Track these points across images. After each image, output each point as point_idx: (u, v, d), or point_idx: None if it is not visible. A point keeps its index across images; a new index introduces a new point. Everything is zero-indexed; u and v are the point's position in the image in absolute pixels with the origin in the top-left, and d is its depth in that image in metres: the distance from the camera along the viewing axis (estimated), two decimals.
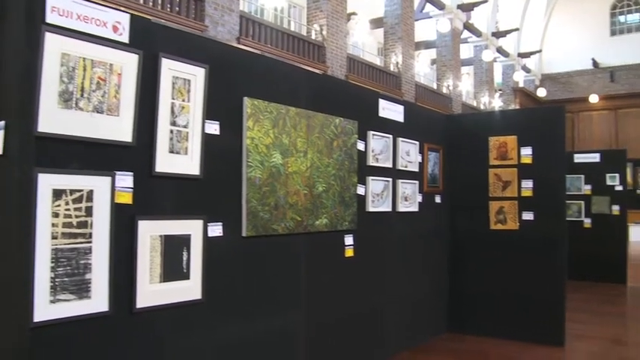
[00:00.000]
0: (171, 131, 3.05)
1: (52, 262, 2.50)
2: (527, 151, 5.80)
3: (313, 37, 14.34)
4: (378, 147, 4.89)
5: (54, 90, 2.53)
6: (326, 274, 4.30)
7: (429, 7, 20.47)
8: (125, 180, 2.82)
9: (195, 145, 3.18)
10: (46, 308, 2.48)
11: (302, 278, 4.06)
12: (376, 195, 4.87)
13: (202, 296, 3.20)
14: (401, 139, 5.22)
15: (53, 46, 2.52)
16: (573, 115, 25.93)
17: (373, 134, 4.83)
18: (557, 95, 27.25)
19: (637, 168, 23.18)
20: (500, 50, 24.91)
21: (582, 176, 10.04)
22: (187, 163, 3.14)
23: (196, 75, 3.19)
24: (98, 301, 2.68)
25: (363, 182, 4.69)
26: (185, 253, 3.11)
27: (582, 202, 10.04)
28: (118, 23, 2.79)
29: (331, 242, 4.36)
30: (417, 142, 5.49)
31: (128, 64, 2.82)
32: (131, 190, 2.84)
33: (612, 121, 26.32)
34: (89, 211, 2.65)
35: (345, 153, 4.43)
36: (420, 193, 5.53)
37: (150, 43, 2.95)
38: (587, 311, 7.37)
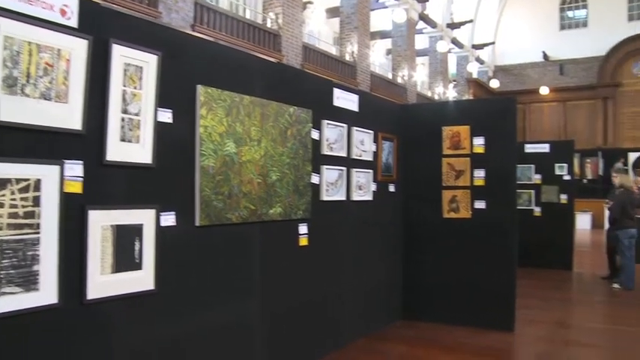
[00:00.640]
0: (123, 119, 3.00)
1: None
2: (479, 141, 5.90)
3: (269, 25, 14.23)
4: (332, 136, 4.90)
5: None
6: (280, 263, 4.30)
7: None
8: (74, 169, 2.76)
9: (147, 134, 3.13)
10: None
11: (256, 267, 4.05)
12: (330, 184, 4.88)
13: (155, 286, 3.16)
14: (355, 128, 5.25)
15: None
16: (524, 106, 26.44)
17: (327, 123, 4.83)
18: (509, 86, 27.72)
19: (584, 159, 23.90)
20: (454, 41, 25.18)
21: (533, 166, 10.29)
22: (139, 151, 3.09)
23: (149, 62, 3.13)
24: (47, 293, 2.62)
25: (318, 171, 4.70)
26: (137, 243, 3.07)
27: (532, 191, 10.30)
28: (66, 7, 2.71)
29: (285, 231, 4.36)
30: (372, 132, 5.52)
31: (77, 49, 2.75)
32: (81, 179, 2.79)
33: (561, 112, 26.95)
34: (37, 201, 2.59)
35: (300, 142, 4.43)
36: (374, 182, 5.57)
37: (100, 28, 2.88)
38: (535, 297, 7.57)
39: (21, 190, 2.53)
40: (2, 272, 2.45)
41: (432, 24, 23.03)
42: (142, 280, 3.10)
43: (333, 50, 18.40)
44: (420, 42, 23.38)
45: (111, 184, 2.96)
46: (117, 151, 2.96)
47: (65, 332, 2.72)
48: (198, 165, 3.49)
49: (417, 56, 22.87)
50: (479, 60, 27.46)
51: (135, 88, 3.06)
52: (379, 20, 21.41)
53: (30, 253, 2.55)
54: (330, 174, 4.88)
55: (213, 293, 3.66)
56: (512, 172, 5.88)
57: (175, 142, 3.36)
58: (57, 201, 2.67)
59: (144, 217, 3.11)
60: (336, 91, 5.05)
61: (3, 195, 2.47)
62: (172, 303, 3.31)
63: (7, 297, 2.47)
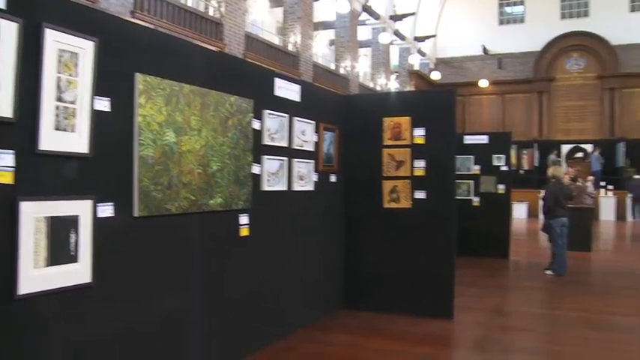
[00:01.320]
0: (57, 107, 2.91)
1: None
2: (420, 132, 5.98)
3: (211, 13, 14.04)
4: (273, 126, 4.89)
5: None
6: (221, 254, 4.28)
7: None
8: (5, 158, 2.66)
9: (83, 122, 3.05)
10: None
11: (197, 259, 4.02)
12: (271, 174, 4.87)
13: (92, 280, 3.10)
14: (297, 118, 5.25)
15: None
16: (464, 98, 26.96)
17: (269, 113, 4.82)
18: (450, 79, 28.18)
19: (521, 150, 24.62)
20: (397, 33, 25.39)
21: (472, 157, 10.51)
22: (75, 140, 3.01)
23: (85, 48, 3.05)
24: None
25: (259, 161, 4.68)
26: (73, 235, 3.00)
27: (471, 181, 10.52)
28: None
29: (226, 222, 4.33)
30: (313, 122, 5.53)
31: (6, 32, 2.64)
32: (12, 169, 2.69)
33: (499, 105, 27.62)
34: None
35: (241, 132, 4.40)
36: (315, 172, 5.59)
37: (31, 11, 2.78)
38: (474, 284, 7.77)
39: None
40: None
41: (374, 15, 23.16)
42: (78, 273, 3.03)
43: (276, 40, 18.32)
44: (363, 33, 23.49)
45: (45, 174, 2.88)
46: (51, 140, 2.87)
47: None
48: (137, 155, 3.43)
49: (360, 47, 22.99)
50: (420, 52, 27.81)
51: (70, 75, 2.97)
52: (322, 11, 21.41)
53: None
54: (271, 164, 4.87)
55: (153, 286, 3.61)
56: (451, 163, 6.00)
57: (113, 131, 3.28)
58: None
59: (80, 209, 3.04)
60: (278, 81, 5.04)
61: None
62: (110, 296, 3.25)
63: None
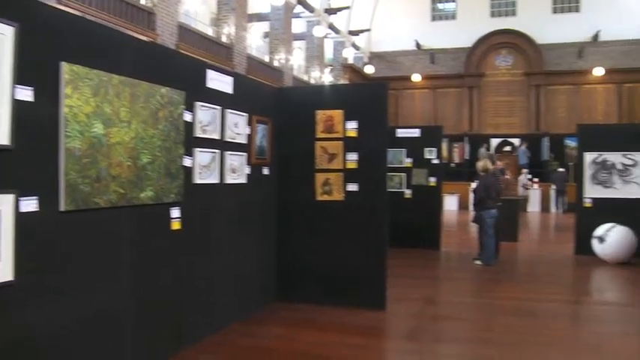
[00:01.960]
0: None
1: None
2: (352, 125, 6.03)
3: (143, 2, 13.71)
4: (205, 118, 4.84)
5: None
6: (152, 248, 4.21)
7: None
8: None
9: (3, 113, 2.93)
10: None
11: (127, 253, 3.94)
12: (203, 167, 4.82)
13: (14, 277, 2.98)
14: (229, 110, 5.20)
15: None
16: (397, 92, 27.37)
17: (201, 105, 4.76)
18: (383, 73, 28.50)
19: (452, 143, 25.19)
20: (331, 27, 25.45)
21: (404, 150, 10.68)
22: None
23: (5, 34, 2.92)
24: None
25: (190, 154, 4.62)
26: None
27: (403, 174, 10.69)
28: None
29: (157, 215, 4.26)
30: (246, 114, 5.49)
31: None
32: None
33: (432, 99, 28.18)
34: None
35: (172, 124, 4.33)
36: (247, 165, 5.56)
37: None
38: (406, 275, 7.91)
39: None
40: None
41: (309, 8, 23.16)
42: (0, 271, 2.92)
43: (209, 31, 18.07)
44: (298, 26, 23.46)
45: None
46: None
47: None
48: (63, 147, 3.32)
49: (295, 40, 22.95)
50: (355, 46, 27.98)
51: None
52: (257, 3, 21.25)
53: None
54: (203, 157, 4.82)
55: (80, 282, 3.51)
56: (383, 156, 6.07)
57: (37, 122, 3.17)
58: None
59: (1, 203, 2.92)
60: (210, 73, 4.98)
61: None
62: (34, 294, 3.14)
63: None
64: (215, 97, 4.99)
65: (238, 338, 5.06)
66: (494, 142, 25.61)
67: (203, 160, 4.82)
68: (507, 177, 11.75)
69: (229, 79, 5.24)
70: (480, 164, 9.30)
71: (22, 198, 3.04)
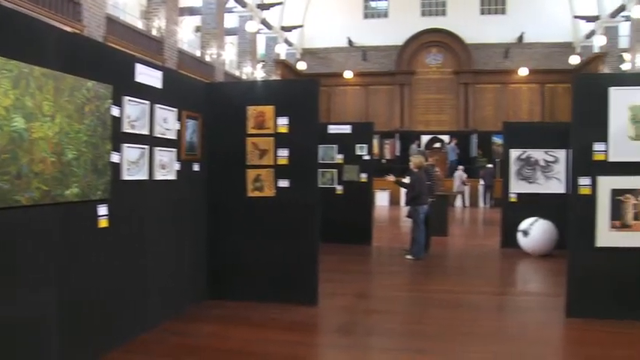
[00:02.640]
0: None
1: None
2: (283, 121, 6.03)
3: None
4: (134, 113, 4.73)
5: None
6: (78, 248, 4.09)
7: None
8: None
9: None
10: None
11: (51, 254, 3.81)
12: (132, 163, 4.72)
13: None
14: (158, 105, 5.10)
15: None
16: (330, 89, 27.57)
17: (129, 100, 4.65)
18: (316, 69, 28.62)
19: (383, 140, 25.58)
20: (264, 22, 25.37)
21: (335, 146, 10.75)
22: None
23: None
24: None
25: (118, 149, 4.51)
26: None
27: (335, 170, 10.77)
28: None
29: (83, 213, 4.14)
30: (176, 110, 5.40)
31: None
32: None
33: (363, 96, 28.55)
34: None
35: (98, 118, 4.21)
36: (177, 161, 5.47)
37: None
38: (338, 271, 7.97)
39: None
40: None
41: (241, 3, 23.01)
42: None
43: (139, 24, 17.68)
44: (230, 21, 23.28)
45: None
46: None
47: None
48: None
49: (227, 35, 22.75)
50: (287, 42, 27.98)
51: None
52: None
53: None
54: (131, 152, 4.71)
55: (1, 285, 3.37)
56: (314, 152, 6.10)
57: None
58: None
59: None
60: (139, 67, 4.87)
61: None
62: None
63: None
64: (144, 92, 4.89)
65: (170, 337, 4.98)
66: (425, 138, 26.15)
67: (131, 156, 4.72)
68: (438, 173, 12.01)
69: (159, 74, 5.14)
70: (415, 160, 9.46)
71: None
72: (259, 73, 24.90)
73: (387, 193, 21.99)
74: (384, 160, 25.37)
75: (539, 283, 8.15)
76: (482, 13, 28.29)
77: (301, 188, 5.99)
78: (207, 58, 20.72)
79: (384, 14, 29.36)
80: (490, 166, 21.89)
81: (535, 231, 9.43)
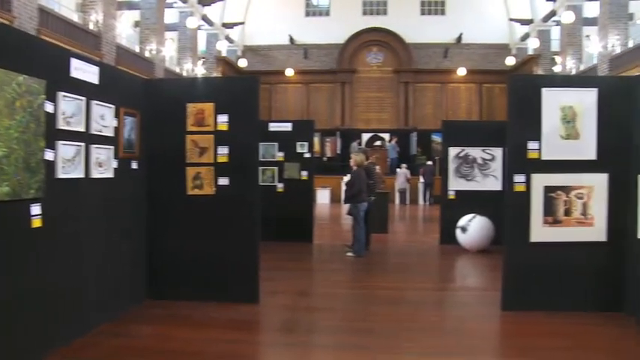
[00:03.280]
0: None
1: None
2: (223, 119, 5.98)
3: None
4: (69, 109, 4.60)
5: None
6: (10, 249, 3.94)
7: None
8: None
9: None
10: None
11: None
12: (67, 160, 4.58)
13: None
14: (95, 102, 4.98)
15: None
16: (271, 86, 27.53)
17: (64, 95, 4.52)
18: (257, 67, 28.50)
19: (324, 138, 25.71)
20: (205, 19, 25.07)
21: (276, 144, 10.76)
22: None
23: None
24: None
25: (53, 147, 4.38)
26: None
27: (276, 167, 10.77)
28: None
29: (15, 213, 3.99)
30: (113, 106, 5.28)
31: None
32: None
33: (305, 94, 28.61)
34: None
35: (31, 115, 4.07)
36: (115, 158, 5.35)
37: None
38: (279, 269, 7.97)
39: None
40: None
41: None
42: None
43: (75, 17, 17.18)
44: (170, 16, 22.92)
45: None
46: None
47: None
48: None
49: (167, 31, 22.37)
50: (228, 39, 27.75)
51: None
52: None
53: None
54: (66, 150, 4.58)
55: None
56: (254, 150, 6.08)
57: None
58: None
59: None
60: (74, 62, 4.73)
61: None
62: None
63: None
64: (80, 88, 4.76)
65: (109, 339, 4.87)
66: (366, 136, 26.39)
67: (67, 153, 4.58)
68: (379, 171, 12.14)
69: (95, 69, 5.01)
70: (357, 158, 9.52)
71: None
72: (200, 70, 24.60)
73: (328, 191, 22.10)
74: (324, 158, 25.50)
75: (477, 278, 8.35)
76: (423, 13, 28.81)
77: (242, 186, 5.96)
78: (147, 54, 20.33)
79: (325, 12, 29.48)
80: (430, 163, 22.26)
81: (473, 227, 9.65)
